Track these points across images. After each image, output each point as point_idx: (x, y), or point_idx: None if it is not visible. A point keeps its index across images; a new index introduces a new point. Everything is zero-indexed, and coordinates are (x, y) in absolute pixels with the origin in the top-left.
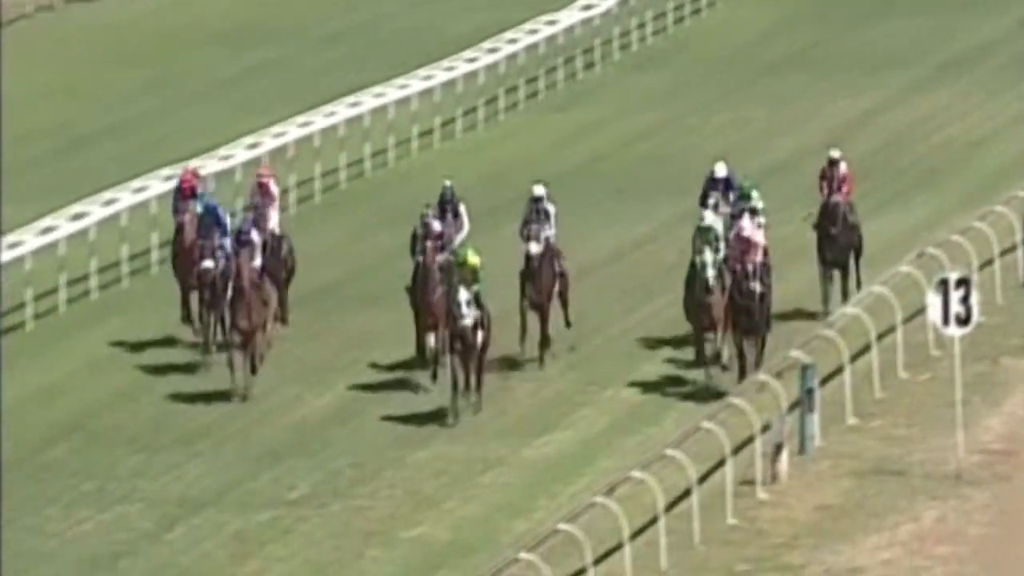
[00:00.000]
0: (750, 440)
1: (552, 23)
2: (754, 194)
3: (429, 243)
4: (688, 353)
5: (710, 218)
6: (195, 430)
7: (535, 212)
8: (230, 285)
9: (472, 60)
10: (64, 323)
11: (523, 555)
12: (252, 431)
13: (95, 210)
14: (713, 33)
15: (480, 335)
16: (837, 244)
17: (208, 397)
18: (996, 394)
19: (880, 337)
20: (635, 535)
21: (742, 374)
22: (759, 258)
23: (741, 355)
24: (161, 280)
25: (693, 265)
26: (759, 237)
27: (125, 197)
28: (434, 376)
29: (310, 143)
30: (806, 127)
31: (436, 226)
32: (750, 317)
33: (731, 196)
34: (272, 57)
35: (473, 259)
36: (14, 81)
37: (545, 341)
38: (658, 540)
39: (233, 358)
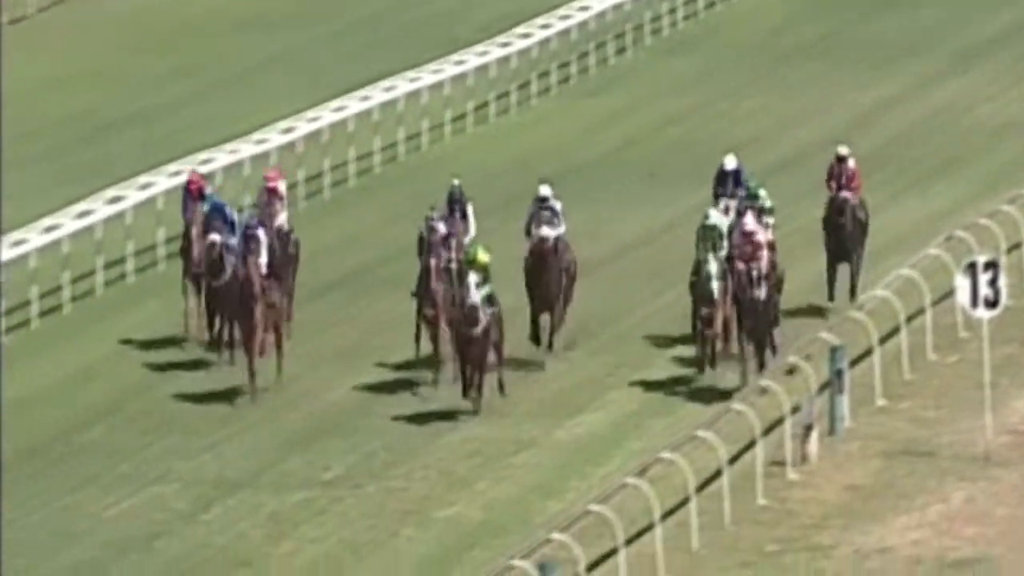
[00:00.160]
0: (780, 421)
1: (584, 8)
2: (762, 193)
3: (435, 244)
4: None
5: (715, 217)
6: (230, 412)
7: (541, 211)
8: (239, 287)
9: (505, 45)
10: (100, 305)
11: (555, 535)
12: (286, 413)
13: (119, 201)
14: (744, 18)
15: (491, 335)
16: (844, 238)
17: (241, 379)
18: None
19: (909, 319)
20: (666, 515)
21: (749, 374)
22: (764, 260)
23: (744, 356)
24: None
25: (697, 268)
26: (763, 235)
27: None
28: (435, 382)
29: (344, 128)
30: (833, 113)
31: (441, 228)
32: (754, 321)
33: (740, 190)
34: (304, 43)
35: (483, 257)
36: (40, 68)
37: (555, 329)
38: (689, 520)
39: (237, 356)
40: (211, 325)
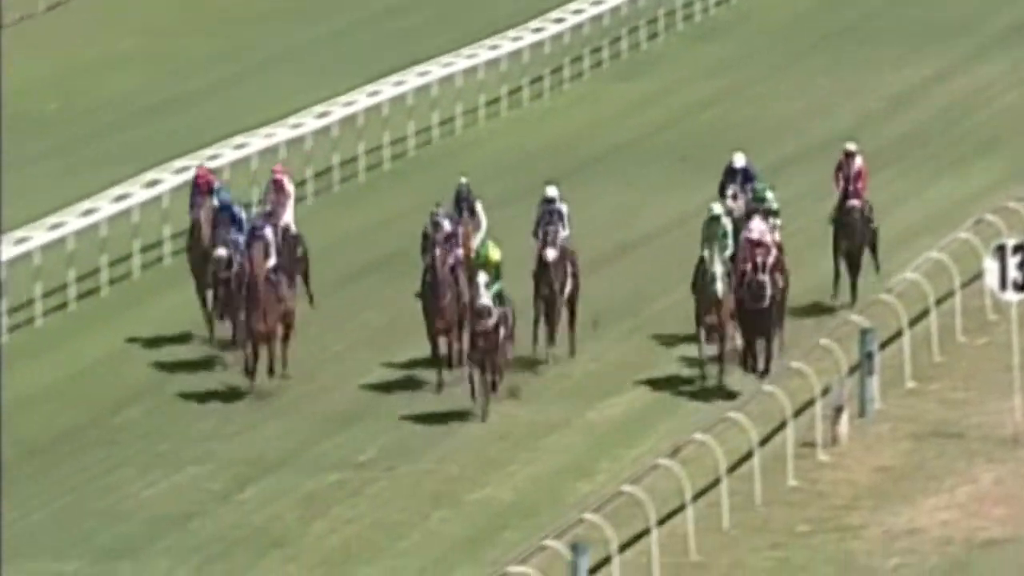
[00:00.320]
0: (811, 403)
1: None
2: (769, 195)
3: (439, 248)
4: None
5: (719, 209)
6: (266, 394)
7: (548, 214)
8: (244, 284)
9: (538, 30)
10: (138, 288)
11: (587, 516)
12: (321, 396)
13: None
14: (775, 3)
15: (502, 333)
16: (852, 239)
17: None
18: None
19: (939, 302)
20: (697, 496)
21: (756, 369)
22: (771, 261)
23: (749, 356)
24: None
25: (701, 265)
26: (770, 237)
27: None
28: (440, 385)
29: (379, 112)
30: (866, 96)
31: (447, 225)
32: (758, 324)
33: (748, 188)
34: (340, 27)
35: (495, 255)
36: (85, 50)
37: (571, 328)
38: (720, 501)
39: (248, 357)
40: (215, 320)
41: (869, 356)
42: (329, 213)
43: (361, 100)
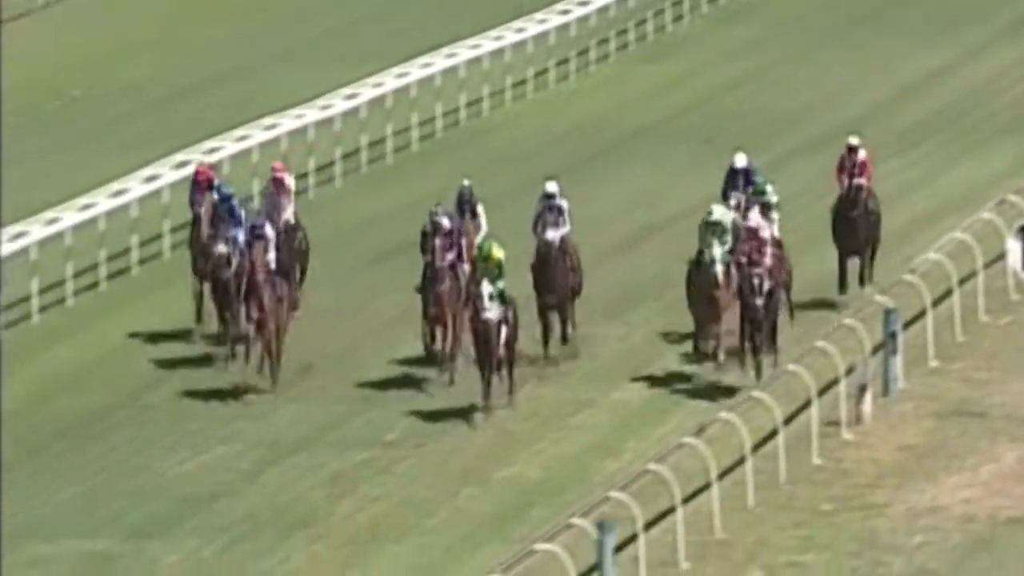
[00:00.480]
0: (835, 382)
1: None
2: (768, 189)
3: (438, 241)
4: None
5: (719, 212)
6: (294, 374)
7: (548, 209)
8: (244, 280)
9: (564, 12)
10: (169, 270)
11: (613, 494)
12: (348, 375)
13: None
14: None
15: (504, 332)
16: (855, 230)
17: (307, 342)
18: None
19: (962, 282)
20: (723, 475)
21: (758, 368)
22: (768, 258)
23: (749, 350)
24: None
25: (699, 257)
26: (768, 231)
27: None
28: (451, 380)
29: (407, 93)
30: (886, 81)
31: (446, 223)
32: (752, 328)
33: (749, 190)
34: (367, 11)
35: (497, 253)
36: (110, 35)
37: (564, 339)
38: (745, 480)
39: (249, 353)
40: (221, 319)
41: (893, 336)
42: (358, 193)
43: (389, 82)
